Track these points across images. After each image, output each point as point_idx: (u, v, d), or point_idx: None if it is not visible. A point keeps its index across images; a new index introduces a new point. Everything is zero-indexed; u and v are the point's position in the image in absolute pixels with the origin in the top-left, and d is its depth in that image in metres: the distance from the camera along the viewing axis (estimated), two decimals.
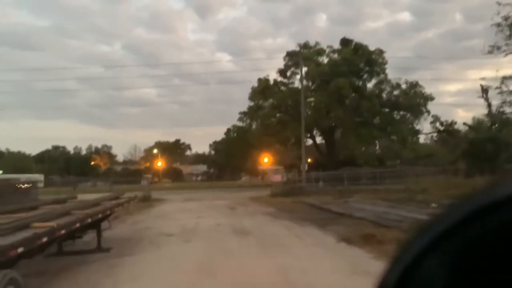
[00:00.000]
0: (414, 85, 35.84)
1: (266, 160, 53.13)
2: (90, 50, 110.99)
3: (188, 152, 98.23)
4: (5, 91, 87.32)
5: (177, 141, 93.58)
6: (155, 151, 75.06)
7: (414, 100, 34.98)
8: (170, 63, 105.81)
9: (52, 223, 5.46)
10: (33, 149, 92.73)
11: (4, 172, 59.61)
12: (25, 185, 32.89)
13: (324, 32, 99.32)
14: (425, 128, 39.62)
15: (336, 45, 36.59)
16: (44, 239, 5.09)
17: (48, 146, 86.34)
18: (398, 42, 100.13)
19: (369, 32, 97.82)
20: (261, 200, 23.02)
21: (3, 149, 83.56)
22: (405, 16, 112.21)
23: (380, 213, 13.99)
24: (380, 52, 34.29)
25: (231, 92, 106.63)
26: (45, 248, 5.83)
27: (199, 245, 9.35)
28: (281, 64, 37.29)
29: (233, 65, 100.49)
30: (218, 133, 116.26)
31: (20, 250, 4.48)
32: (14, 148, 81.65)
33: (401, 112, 35.95)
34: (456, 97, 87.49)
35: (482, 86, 33.25)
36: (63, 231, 5.69)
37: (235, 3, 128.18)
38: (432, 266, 0.49)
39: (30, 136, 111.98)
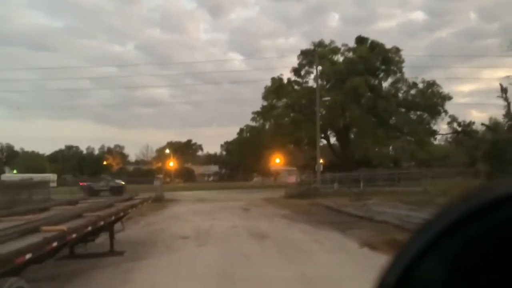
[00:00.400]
0: (431, 84, 35.07)
1: (277, 160, 52.64)
2: (103, 51, 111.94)
3: (199, 153, 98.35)
4: (21, 91, 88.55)
5: (189, 141, 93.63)
6: (167, 151, 75.08)
7: (431, 99, 34.20)
8: (182, 63, 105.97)
9: (63, 227, 5.09)
10: (46, 149, 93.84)
11: (18, 172, 60.27)
12: (118, 183, 33.86)
13: (337, 32, 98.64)
14: (441, 129, 38.87)
15: (350, 45, 36.01)
16: (54, 244, 4.71)
17: (61, 145, 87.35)
18: (411, 41, 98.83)
19: (382, 32, 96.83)
20: (275, 201, 22.55)
21: (18, 148, 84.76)
22: (418, 16, 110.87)
23: (401, 216, 13.38)
24: (397, 50, 33.56)
25: (242, 92, 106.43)
26: (55, 252, 5.46)
27: (216, 249, 8.93)
28: (293, 64, 36.82)
29: (245, 65, 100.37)
30: (230, 134, 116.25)
31: (28, 256, 4.10)
32: (28, 148, 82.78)
33: (418, 112, 35.19)
34: (470, 97, 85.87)
35: (501, 85, 32.34)
36: (74, 235, 5.31)
37: (247, 3, 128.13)
38: (431, 265, 0.49)
39: (44, 135, 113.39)
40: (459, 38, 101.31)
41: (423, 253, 0.50)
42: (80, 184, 34.56)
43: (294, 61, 36.41)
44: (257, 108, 38.02)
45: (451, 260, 0.50)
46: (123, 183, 34.75)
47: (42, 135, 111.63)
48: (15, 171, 62.54)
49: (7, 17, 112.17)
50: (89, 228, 5.98)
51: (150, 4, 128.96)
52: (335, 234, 11.02)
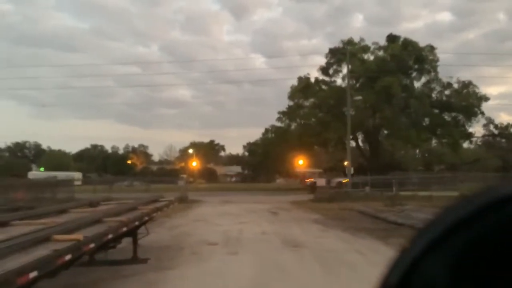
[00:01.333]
0: (467, 85, 33.26)
1: (301, 162, 51.38)
2: (128, 52, 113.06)
3: (222, 153, 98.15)
4: (48, 91, 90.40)
5: (212, 141, 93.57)
6: (190, 151, 74.97)
7: (467, 100, 32.42)
8: (205, 65, 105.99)
9: (78, 235, 4.31)
10: (72, 148, 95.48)
11: (45, 170, 61.17)
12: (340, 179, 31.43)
13: (361, 33, 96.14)
14: (476, 131, 36.96)
15: (379, 44, 34.48)
16: (67, 257, 3.93)
17: (87, 144, 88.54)
18: (438, 43, 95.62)
19: (408, 33, 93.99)
20: (304, 205, 21.53)
21: (45, 146, 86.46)
22: (445, 16, 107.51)
23: None
24: (431, 48, 31.89)
25: (265, 94, 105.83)
26: (70, 264, 4.68)
27: (248, 259, 8.04)
28: (316, 65, 35.72)
29: (268, 67, 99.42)
30: (252, 135, 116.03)
31: (33, 275, 3.32)
32: (55, 146, 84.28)
33: (453, 114, 33.44)
34: (499, 100, 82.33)
35: None
36: (92, 245, 4.53)
37: (270, 4, 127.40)
38: (433, 265, 0.50)
39: (71, 134, 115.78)
40: (488, 39, 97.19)
41: (425, 254, 0.49)
42: (306, 181, 33.40)
43: (317, 62, 35.55)
44: (279, 109, 37.19)
45: (453, 260, 0.49)
46: (347, 180, 31.66)
47: (68, 134, 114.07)
48: (42, 169, 63.49)
49: (35, 19, 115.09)
50: (110, 236, 5.20)
51: (174, 6, 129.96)
52: (376, 243, 9.99)
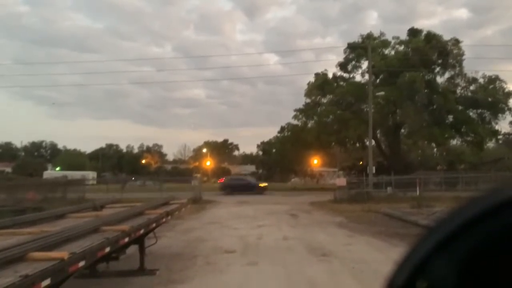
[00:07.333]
0: (493, 80, 31.57)
1: (315, 161, 50.08)
2: (142, 52, 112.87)
3: (235, 152, 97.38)
4: (64, 91, 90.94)
5: (225, 141, 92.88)
6: (204, 150, 74.36)
7: (494, 96, 30.75)
8: (219, 65, 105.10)
9: (62, 253, 3.36)
10: (88, 147, 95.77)
11: (61, 169, 61.16)
12: None
13: (376, 30, 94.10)
14: (502, 128, 35.24)
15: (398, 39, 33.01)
16: (44, 283, 2.97)
17: (102, 144, 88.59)
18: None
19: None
20: (324, 206, 20.41)
21: (61, 146, 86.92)
22: (462, 13, 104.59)
23: None
24: (456, 42, 30.26)
25: (278, 93, 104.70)
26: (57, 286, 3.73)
27: (271, 271, 7.02)
28: (331, 63, 34.74)
29: (281, 66, 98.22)
30: (266, 134, 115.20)
31: None
32: (71, 146, 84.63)
33: (478, 110, 31.80)
34: None
35: None
36: (80, 263, 3.57)
37: (284, 3, 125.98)
38: (441, 266, 0.51)
39: (86, 134, 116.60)
40: (507, 36, 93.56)
41: (433, 254, 0.49)
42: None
43: (332, 61, 34.29)
44: (293, 108, 36.07)
45: (459, 261, 0.49)
46: None
47: (84, 134, 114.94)
48: (58, 168, 63.56)
49: (51, 20, 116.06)
50: (107, 250, 4.26)
51: (188, 6, 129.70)
52: None
